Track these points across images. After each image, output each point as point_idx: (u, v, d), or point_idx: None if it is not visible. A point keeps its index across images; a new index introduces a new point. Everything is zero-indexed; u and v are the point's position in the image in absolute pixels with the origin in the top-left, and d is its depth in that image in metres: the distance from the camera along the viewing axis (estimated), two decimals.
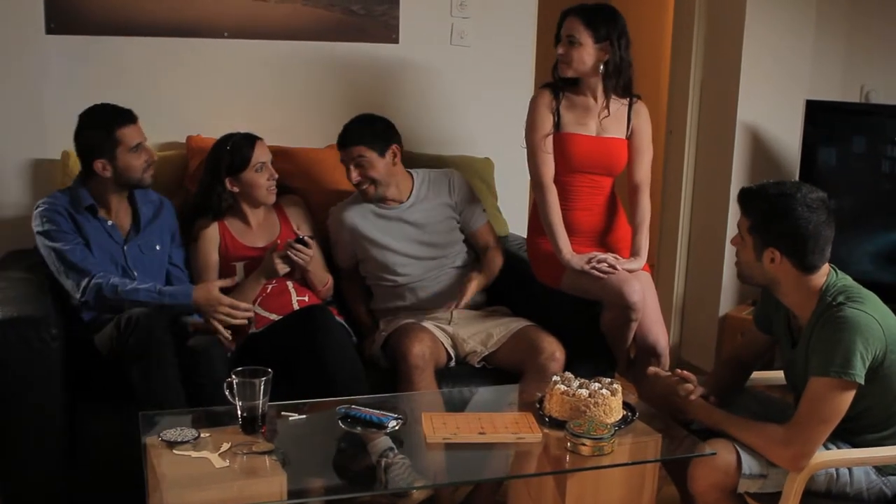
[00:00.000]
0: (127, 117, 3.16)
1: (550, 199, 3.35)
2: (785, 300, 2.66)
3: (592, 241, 3.41)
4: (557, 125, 3.36)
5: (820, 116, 4.21)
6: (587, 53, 3.29)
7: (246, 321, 3.17)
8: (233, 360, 3.07)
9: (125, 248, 3.22)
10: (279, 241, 3.40)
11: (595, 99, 3.37)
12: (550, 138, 3.36)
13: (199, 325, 3.16)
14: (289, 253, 3.28)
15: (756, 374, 2.97)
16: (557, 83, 3.38)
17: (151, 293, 3.04)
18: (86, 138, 3.15)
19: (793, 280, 2.58)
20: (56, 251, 3.09)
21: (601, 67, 3.30)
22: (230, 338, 3.12)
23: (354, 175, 3.41)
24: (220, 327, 3.09)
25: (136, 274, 3.19)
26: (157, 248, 3.29)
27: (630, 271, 3.26)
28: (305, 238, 3.31)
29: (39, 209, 3.15)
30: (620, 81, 3.34)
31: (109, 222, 3.21)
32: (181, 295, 3.10)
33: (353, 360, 3.08)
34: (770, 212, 2.55)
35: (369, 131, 3.42)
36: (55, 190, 3.25)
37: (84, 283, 3.04)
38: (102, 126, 3.13)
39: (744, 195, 2.64)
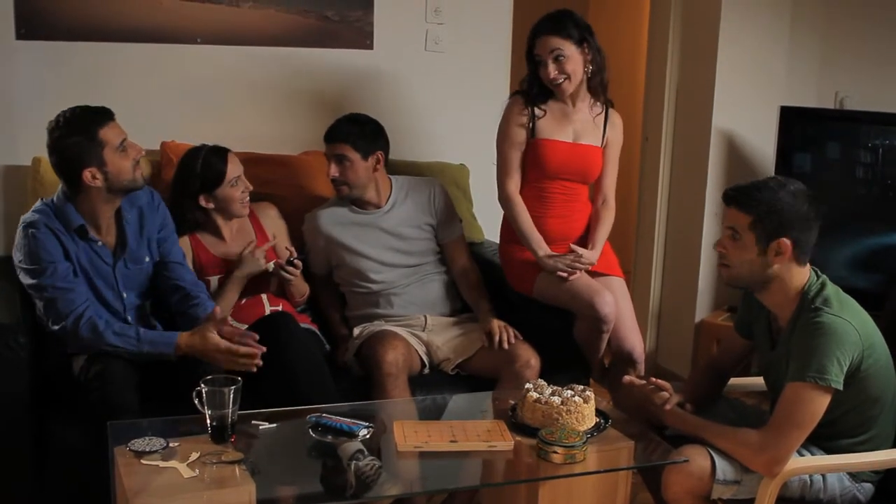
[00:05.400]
0: (104, 115, 2.89)
1: (519, 211, 3.35)
2: (768, 300, 2.65)
3: (566, 248, 3.36)
4: (532, 132, 3.35)
5: (795, 122, 4.21)
6: (576, 62, 3.27)
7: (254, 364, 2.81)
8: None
9: (115, 268, 3.00)
10: (259, 247, 3.35)
11: (573, 103, 3.36)
12: (520, 154, 3.36)
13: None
14: (280, 273, 3.30)
15: (733, 381, 2.96)
16: (530, 91, 3.35)
17: (130, 340, 2.84)
18: (66, 148, 2.85)
19: (786, 274, 2.57)
20: (37, 286, 2.86)
21: (589, 68, 3.30)
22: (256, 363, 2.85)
23: (333, 170, 3.38)
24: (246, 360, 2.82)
25: (125, 295, 3.02)
26: (147, 259, 3.08)
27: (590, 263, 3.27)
28: (295, 260, 3.31)
29: (26, 233, 2.87)
30: (604, 77, 3.33)
31: (99, 243, 2.96)
32: (163, 344, 2.85)
33: (319, 365, 3.05)
34: (778, 201, 2.53)
35: (357, 131, 3.39)
36: (38, 201, 2.97)
37: (65, 317, 2.84)
38: (82, 131, 2.84)
39: (740, 193, 2.59)
